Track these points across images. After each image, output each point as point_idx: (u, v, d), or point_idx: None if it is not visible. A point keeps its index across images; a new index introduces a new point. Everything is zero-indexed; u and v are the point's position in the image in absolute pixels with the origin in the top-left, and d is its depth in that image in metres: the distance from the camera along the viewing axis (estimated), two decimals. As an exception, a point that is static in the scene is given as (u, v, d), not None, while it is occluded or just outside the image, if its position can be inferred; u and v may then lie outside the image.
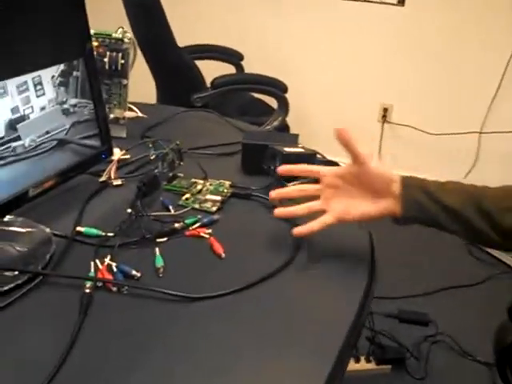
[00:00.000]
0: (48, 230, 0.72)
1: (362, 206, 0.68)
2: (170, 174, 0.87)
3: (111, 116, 1.03)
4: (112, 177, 0.88)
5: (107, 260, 0.67)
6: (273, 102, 1.99)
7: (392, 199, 0.66)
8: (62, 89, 0.72)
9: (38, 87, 0.68)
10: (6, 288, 0.60)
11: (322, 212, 0.69)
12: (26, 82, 0.66)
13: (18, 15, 0.64)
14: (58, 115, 0.72)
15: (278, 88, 1.85)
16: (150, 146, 0.80)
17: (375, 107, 2.42)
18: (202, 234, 0.74)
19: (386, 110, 2.39)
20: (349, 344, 0.59)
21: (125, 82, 1.03)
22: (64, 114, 0.73)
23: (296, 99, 1.96)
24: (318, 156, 0.93)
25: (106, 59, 1.00)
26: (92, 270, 0.65)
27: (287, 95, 1.87)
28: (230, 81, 1.85)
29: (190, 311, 0.60)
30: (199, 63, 1.96)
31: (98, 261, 0.66)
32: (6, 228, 0.71)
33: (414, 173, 0.69)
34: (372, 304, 0.70)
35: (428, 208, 0.65)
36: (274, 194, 0.72)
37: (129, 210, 0.75)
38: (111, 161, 0.89)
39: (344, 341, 0.58)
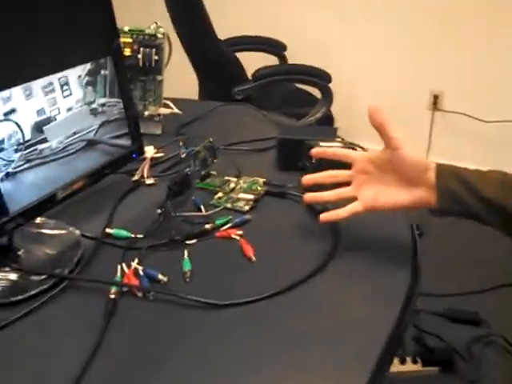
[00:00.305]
0: (78, 232, 0.71)
1: (394, 195, 0.64)
2: (203, 172, 0.84)
3: (146, 113, 1.02)
4: (145, 176, 0.86)
5: (134, 264, 0.65)
6: (317, 93, 1.94)
7: (426, 188, 0.61)
8: (90, 88, 0.71)
9: (65, 88, 0.67)
10: (32, 293, 0.60)
11: (353, 199, 0.66)
12: (51, 83, 0.65)
13: (42, 13, 0.63)
14: (86, 115, 0.71)
15: (321, 78, 1.79)
16: (181, 144, 0.78)
17: (425, 94, 2.31)
18: (233, 236, 0.71)
19: (436, 96, 2.27)
20: (390, 348, 0.55)
21: (159, 78, 1.01)
22: (92, 114, 0.72)
23: (341, 89, 1.90)
24: (358, 149, 0.88)
25: (139, 56, 0.99)
26: (118, 274, 0.64)
27: (331, 85, 1.81)
28: (272, 72, 1.81)
29: (216, 318, 0.58)
30: (241, 55, 1.93)
31: (124, 265, 0.65)
32: (37, 230, 0.71)
33: (467, 164, 0.64)
34: (418, 302, 0.66)
35: (464, 199, 0.59)
36: (306, 179, 0.69)
37: (158, 211, 0.73)
38: (145, 159, 0.88)
39: (384, 345, 0.54)
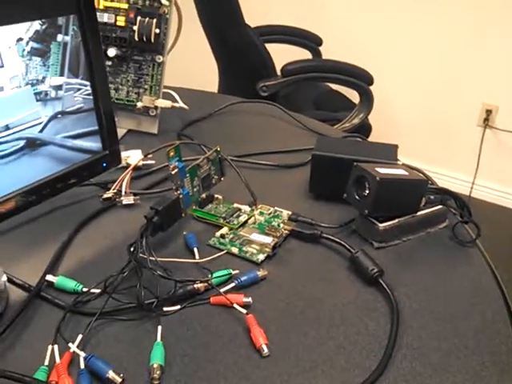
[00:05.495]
0: (4, 276, 0.47)
1: None
2: (203, 195, 0.59)
3: (139, 104, 0.77)
4: (123, 192, 0.62)
5: (73, 346, 0.40)
6: (352, 96, 1.67)
7: None
8: (37, 61, 0.46)
9: (-8, 55, 0.43)
10: None
11: None
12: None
13: None
14: (27, 101, 0.47)
15: (362, 79, 1.53)
16: (171, 154, 0.52)
17: (475, 108, 2.01)
18: (236, 307, 0.45)
19: (489, 112, 1.98)
20: None
21: (160, 58, 0.76)
22: (39, 101, 0.48)
23: (378, 94, 1.63)
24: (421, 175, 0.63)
25: (135, 27, 0.74)
26: (46, 361, 0.39)
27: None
28: (304, 68, 1.56)
29: None
30: (270, 47, 1.68)
31: (56, 347, 0.40)
32: None
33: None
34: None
35: None
36: None
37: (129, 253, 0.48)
38: (126, 168, 0.63)
39: None
